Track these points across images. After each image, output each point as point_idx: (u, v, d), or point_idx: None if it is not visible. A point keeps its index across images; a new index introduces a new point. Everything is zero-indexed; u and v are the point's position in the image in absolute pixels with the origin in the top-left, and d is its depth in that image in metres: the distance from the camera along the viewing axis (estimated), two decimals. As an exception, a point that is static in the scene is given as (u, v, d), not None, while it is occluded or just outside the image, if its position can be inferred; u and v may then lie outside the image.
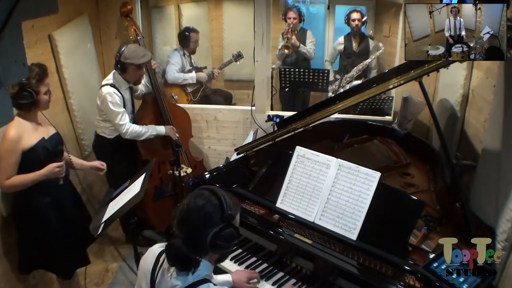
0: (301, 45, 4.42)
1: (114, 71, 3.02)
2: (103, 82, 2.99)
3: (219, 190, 1.50)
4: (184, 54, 4.30)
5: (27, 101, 2.11)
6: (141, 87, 3.32)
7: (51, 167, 2.21)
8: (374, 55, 4.28)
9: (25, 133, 2.17)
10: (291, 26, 4.38)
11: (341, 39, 4.58)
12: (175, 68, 4.19)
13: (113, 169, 3.19)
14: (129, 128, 3.02)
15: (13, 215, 2.38)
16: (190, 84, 4.26)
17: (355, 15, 4.37)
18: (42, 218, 2.31)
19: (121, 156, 3.20)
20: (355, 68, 4.31)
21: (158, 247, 1.56)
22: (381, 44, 4.30)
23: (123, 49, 2.92)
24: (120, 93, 2.98)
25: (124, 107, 3.02)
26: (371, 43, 4.48)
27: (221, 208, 1.45)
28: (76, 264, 2.57)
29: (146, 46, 3.29)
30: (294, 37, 4.34)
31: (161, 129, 3.17)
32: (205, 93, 4.44)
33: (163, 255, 1.50)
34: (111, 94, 2.91)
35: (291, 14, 4.43)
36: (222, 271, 2.00)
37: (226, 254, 1.57)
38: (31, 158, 2.19)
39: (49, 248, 2.38)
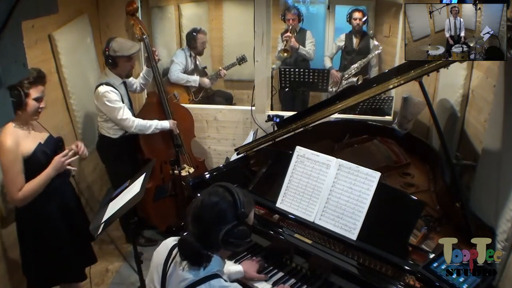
0: (300, 46, 4.43)
1: (105, 70, 3.03)
2: (97, 82, 2.99)
3: (234, 188, 1.51)
4: (190, 55, 4.30)
5: (14, 99, 1.99)
6: (138, 82, 3.32)
7: (57, 158, 2.17)
8: (372, 54, 4.39)
9: (21, 139, 2.11)
10: (290, 28, 4.40)
11: (342, 36, 4.68)
12: (179, 68, 4.20)
13: (117, 169, 3.20)
14: (135, 121, 3.02)
15: (16, 225, 2.32)
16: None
17: (357, 14, 4.49)
18: (48, 223, 2.27)
19: (126, 156, 3.20)
20: (353, 65, 4.42)
21: (172, 241, 1.58)
22: (380, 47, 4.39)
23: (110, 43, 2.93)
24: (116, 89, 2.98)
25: (122, 102, 3.02)
26: (371, 42, 4.54)
27: (234, 206, 1.46)
28: (86, 262, 2.55)
29: (151, 45, 3.28)
30: (293, 39, 4.35)
31: (166, 124, 3.18)
32: (207, 94, 4.44)
33: (176, 249, 1.52)
34: (108, 92, 2.91)
35: (290, 16, 4.44)
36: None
37: (239, 251, 1.58)
38: (33, 165, 2.15)
39: (58, 255, 2.33)
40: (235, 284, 1.50)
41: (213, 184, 1.57)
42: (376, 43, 4.51)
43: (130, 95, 3.26)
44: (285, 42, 4.32)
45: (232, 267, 1.91)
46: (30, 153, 2.14)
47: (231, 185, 1.54)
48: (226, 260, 2.00)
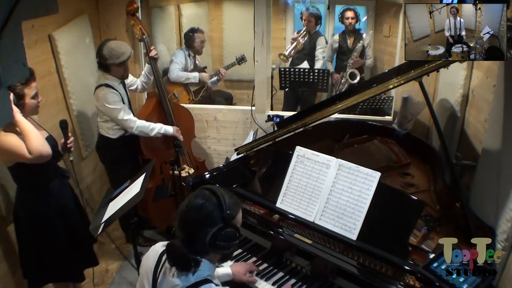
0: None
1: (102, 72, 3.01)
2: (97, 84, 2.98)
3: (219, 190, 1.50)
4: (189, 55, 4.30)
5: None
6: (139, 81, 3.31)
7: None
8: (362, 42, 4.42)
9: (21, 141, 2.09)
10: (303, 29, 4.43)
11: (336, 37, 4.67)
12: (178, 67, 4.19)
13: (117, 170, 3.19)
14: (136, 121, 3.01)
15: (14, 224, 2.33)
16: (193, 83, 4.26)
17: (348, 14, 4.48)
18: (45, 223, 2.28)
19: (125, 156, 3.19)
20: (348, 61, 4.44)
21: (160, 246, 1.56)
22: (371, 31, 4.52)
23: (101, 49, 2.91)
24: (116, 90, 2.97)
25: (123, 102, 3.01)
26: (366, 39, 4.55)
27: (220, 208, 1.44)
28: (85, 264, 2.56)
29: (151, 45, 3.27)
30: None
31: (169, 129, 3.16)
32: (207, 94, 4.45)
33: (166, 255, 1.50)
34: (108, 94, 2.91)
35: (306, 16, 4.45)
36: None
37: (228, 254, 1.55)
38: (32, 164, 2.12)
39: (55, 254, 2.34)
40: None
41: (200, 187, 1.55)
42: (369, 33, 4.53)
43: (130, 95, 3.26)
44: (289, 45, 4.35)
45: (220, 269, 1.88)
46: None
47: (216, 187, 1.52)
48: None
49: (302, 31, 4.47)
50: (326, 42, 4.63)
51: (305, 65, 4.41)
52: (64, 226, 2.35)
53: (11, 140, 2.04)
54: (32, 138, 2.05)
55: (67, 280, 2.52)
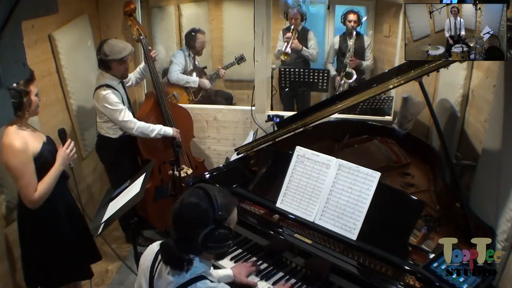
0: (303, 48, 4.42)
1: (101, 71, 3.00)
2: (97, 84, 2.98)
3: (212, 190, 1.48)
4: (189, 55, 4.30)
5: (16, 101, 1.99)
6: (133, 77, 3.32)
7: (62, 152, 2.19)
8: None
9: (28, 139, 2.09)
10: (292, 27, 4.40)
11: (336, 38, 4.64)
12: (178, 68, 4.19)
13: (117, 170, 3.19)
14: (136, 123, 3.01)
15: (18, 226, 2.31)
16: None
17: (351, 16, 4.43)
18: (47, 224, 2.25)
19: (125, 156, 3.19)
20: (345, 60, 4.44)
21: (157, 245, 1.57)
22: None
23: (102, 46, 2.92)
24: (117, 91, 2.97)
25: (123, 103, 3.01)
26: (366, 40, 4.54)
27: (212, 209, 1.44)
28: (90, 260, 2.55)
29: (150, 45, 3.27)
30: (295, 41, 4.35)
31: (169, 130, 3.16)
32: (207, 94, 4.44)
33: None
34: (109, 95, 2.90)
35: (292, 15, 4.43)
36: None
37: (222, 253, 1.55)
38: (41, 164, 2.13)
39: (60, 255, 2.31)
40: (222, 284, 1.49)
41: (194, 185, 1.55)
42: (368, 34, 4.51)
43: (129, 94, 3.26)
44: (285, 44, 4.32)
45: (221, 271, 1.89)
46: (38, 152, 2.13)
47: (210, 186, 1.51)
48: (226, 261, 2.00)
49: (292, 29, 4.45)
50: (314, 35, 4.62)
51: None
52: (68, 224, 2.34)
53: (28, 168, 2.06)
54: (48, 185, 2.12)
55: (78, 279, 2.52)
